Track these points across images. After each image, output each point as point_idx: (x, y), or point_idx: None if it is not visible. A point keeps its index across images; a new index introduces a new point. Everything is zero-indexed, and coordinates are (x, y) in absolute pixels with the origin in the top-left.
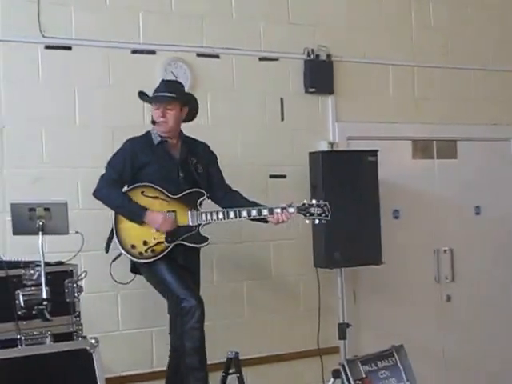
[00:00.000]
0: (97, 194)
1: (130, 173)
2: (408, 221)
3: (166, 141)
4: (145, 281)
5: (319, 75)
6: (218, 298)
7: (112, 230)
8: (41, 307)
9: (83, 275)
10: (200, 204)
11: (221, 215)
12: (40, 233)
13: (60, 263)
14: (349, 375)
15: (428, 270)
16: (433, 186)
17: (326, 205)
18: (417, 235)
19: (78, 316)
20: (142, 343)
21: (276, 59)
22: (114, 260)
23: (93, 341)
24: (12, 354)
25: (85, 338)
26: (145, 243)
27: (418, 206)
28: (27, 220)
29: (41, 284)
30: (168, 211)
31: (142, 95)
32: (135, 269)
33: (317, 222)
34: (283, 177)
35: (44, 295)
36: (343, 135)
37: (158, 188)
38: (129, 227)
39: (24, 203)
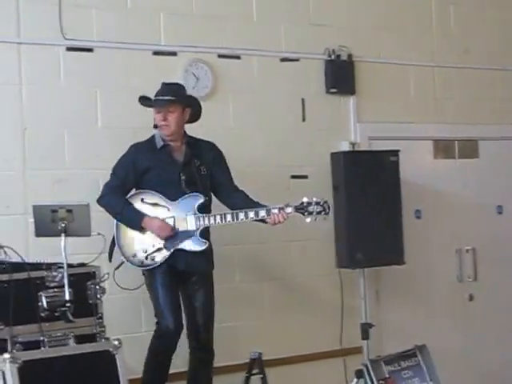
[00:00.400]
0: (99, 201)
1: (134, 179)
2: (430, 221)
3: (168, 144)
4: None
5: (340, 75)
6: (241, 299)
7: (113, 238)
8: (64, 309)
9: (106, 276)
10: (200, 209)
11: (218, 218)
12: (62, 234)
13: (82, 265)
14: (372, 375)
15: (450, 270)
16: (454, 186)
17: (325, 202)
18: (439, 235)
19: (101, 317)
20: None
21: (297, 60)
22: (116, 268)
23: (116, 342)
24: (35, 355)
25: (108, 339)
26: (144, 251)
27: (439, 205)
28: (50, 222)
29: (64, 286)
30: (167, 217)
31: (143, 100)
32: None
33: (316, 220)
34: (305, 177)
35: (67, 297)
36: (365, 135)
37: (158, 195)
38: (129, 236)
39: (46, 205)
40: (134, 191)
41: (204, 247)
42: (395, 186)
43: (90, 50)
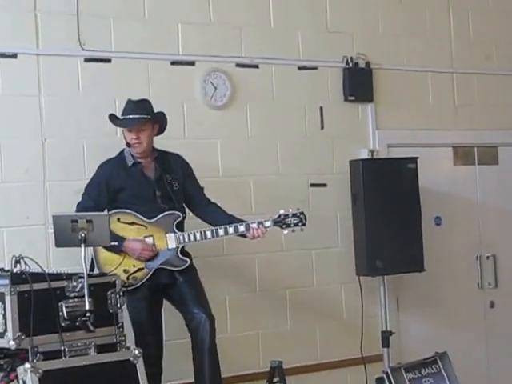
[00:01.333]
0: None
1: (107, 198)
2: (450, 227)
3: (139, 162)
4: None
5: (358, 83)
6: (261, 307)
7: (92, 260)
8: (84, 318)
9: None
10: (177, 226)
11: (198, 236)
12: (82, 244)
13: (103, 274)
14: (393, 383)
15: (471, 277)
16: (474, 193)
17: (302, 212)
18: (459, 242)
19: (122, 327)
20: (185, 353)
21: (315, 68)
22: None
23: (136, 351)
24: (56, 365)
25: (128, 348)
26: (125, 271)
27: (459, 212)
28: (70, 232)
29: (84, 295)
30: (145, 236)
31: (113, 119)
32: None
33: (293, 231)
34: (324, 185)
35: (87, 306)
36: (383, 143)
37: (134, 213)
38: (107, 257)
39: (66, 215)
40: (109, 211)
41: (185, 266)
42: (414, 193)
43: (108, 60)
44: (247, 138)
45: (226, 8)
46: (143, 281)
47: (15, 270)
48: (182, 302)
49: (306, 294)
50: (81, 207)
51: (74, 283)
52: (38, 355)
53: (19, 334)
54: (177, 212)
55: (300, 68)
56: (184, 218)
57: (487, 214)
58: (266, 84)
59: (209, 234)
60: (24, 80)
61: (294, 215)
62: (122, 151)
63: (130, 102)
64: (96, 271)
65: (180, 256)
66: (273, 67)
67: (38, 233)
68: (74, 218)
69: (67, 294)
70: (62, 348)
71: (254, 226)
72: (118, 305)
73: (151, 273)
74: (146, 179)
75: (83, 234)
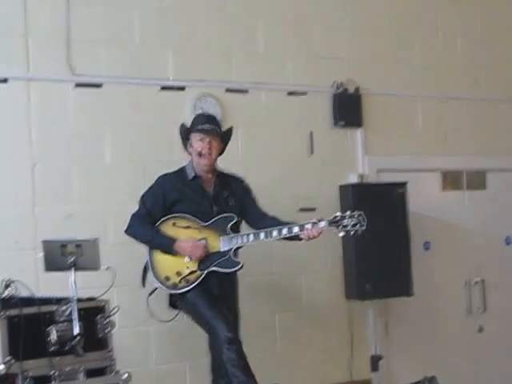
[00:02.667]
0: (127, 231)
1: (162, 210)
2: (438, 252)
3: (200, 176)
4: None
5: (348, 108)
6: (250, 331)
7: (146, 263)
8: (73, 343)
9: (115, 310)
10: (231, 228)
11: (252, 237)
12: (72, 269)
13: (92, 299)
14: None
15: (459, 301)
16: (463, 218)
17: (360, 214)
18: (447, 266)
19: (111, 351)
20: (176, 378)
21: (304, 93)
22: (150, 294)
23: (125, 376)
24: None
25: (117, 372)
26: (178, 274)
27: (448, 237)
28: (59, 256)
29: (73, 320)
30: (199, 239)
31: (184, 126)
32: (173, 303)
33: (349, 233)
34: (313, 210)
35: (76, 331)
36: (373, 168)
37: (189, 217)
38: (162, 259)
39: (56, 240)
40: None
41: (238, 267)
42: (403, 217)
43: (98, 85)
44: (237, 163)
45: (216, 33)
46: (195, 284)
47: (5, 295)
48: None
49: (295, 317)
50: (135, 217)
51: (64, 307)
52: (28, 380)
53: (9, 358)
54: (232, 214)
55: (289, 93)
56: (240, 220)
57: (475, 238)
58: (256, 109)
59: (262, 235)
60: (14, 105)
61: (352, 216)
62: (183, 167)
63: (201, 114)
64: (150, 273)
65: (233, 258)
66: (262, 92)
67: (27, 257)
68: (64, 243)
69: (57, 318)
70: (52, 372)
71: (309, 226)
72: (108, 329)
73: (203, 275)
74: (204, 193)
75: (72, 259)
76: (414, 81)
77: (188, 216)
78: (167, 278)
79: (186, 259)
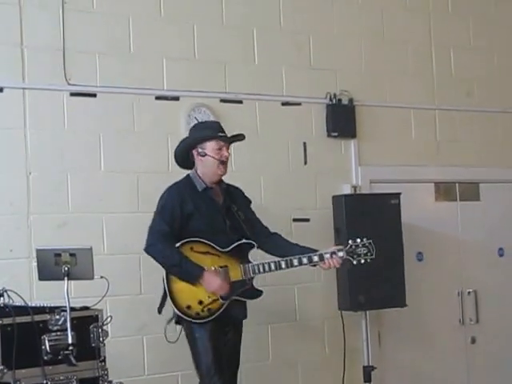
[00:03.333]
0: (150, 250)
1: (180, 223)
2: (432, 263)
3: (211, 187)
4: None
5: (341, 119)
6: (243, 342)
7: (165, 290)
8: (66, 352)
9: (108, 320)
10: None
11: (273, 266)
12: (65, 278)
13: (85, 308)
14: None
15: (452, 312)
16: (456, 229)
17: (370, 243)
18: (440, 277)
19: (104, 361)
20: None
21: (298, 104)
22: (168, 322)
23: None
24: None
25: (110, 382)
26: (200, 303)
27: (441, 248)
28: (53, 265)
29: (66, 329)
30: (220, 266)
31: (205, 133)
32: (179, 321)
33: (361, 262)
34: (307, 220)
35: (70, 340)
36: (366, 178)
37: (208, 242)
38: (182, 287)
39: (50, 249)
40: (182, 240)
41: (261, 296)
42: (397, 228)
43: (93, 95)
44: (230, 172)
45: (211, 44)
46: (217, 313)
47: None
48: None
49: (288, 328)
50: (156, 233)
51: (57, 316)
52: None
53: (1, 367)
54: (251, 242)
55: (284, 104)
56: (257, 248)
57: (468, 249)
58: (250, 119)
59: (283, 264)
60: (10, 114)
61: (364, 245)
62: (188, 177)
63: (212, 122)
64: (169, 301)
65: (255, 287)
66: (257, 103)
67: (21, 266)
68: (58, 252)
69: (50, 327)
70: (45, 382)
71: (328, 256)
72: (101, 339)
73: (226, 304)
74: (215, 206)
75: (66, 268)
76: (408, 92)
77: (205, 241)
78: (189, 307)
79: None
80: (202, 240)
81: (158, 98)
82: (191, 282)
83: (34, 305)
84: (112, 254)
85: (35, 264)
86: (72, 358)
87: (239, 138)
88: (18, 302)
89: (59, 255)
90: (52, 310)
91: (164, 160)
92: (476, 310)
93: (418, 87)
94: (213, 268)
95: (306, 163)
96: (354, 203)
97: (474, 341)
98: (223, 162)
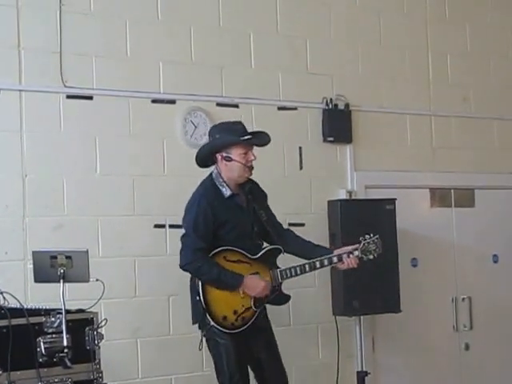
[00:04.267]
0: (187, 268)
1: (212, 233)
2: (426, 269)
3: (237, 194)
4: (164, 326)
5: (337, 124)
6: None
7: (201, 303)
8: (62, 355)
9: (103, 323)
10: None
11: (299, 270)
12: (61, 280)
13: (81, 311)
14: None
15: (446, 319)
16: (451, 235)
17: (377, 238)
18: (435, 283)
19: (99, 363)
20: None
21: (295, 108)
22: (204, 335)
23: None
24: None
25: None
26: (235, 312)
27: (435, 254)
28: (49, 268)
29: (62, 331)
30: (252, 273)
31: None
32: (199, 325)
33: (371, 258)
34: (302, 225)
35: (65, 343)
36: (361, 184)
37: (239, 250)
38: (218, 298)
39: (46, 251)
40: (214, 250)
41: (289, 300)
42: (392, 234)
43: (89, 97)
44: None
45: (208, 48)
46: (250, 322)
47: None
48: (263, 367)
49: (282, 333)
50: (193, 251)
51: (53, 319)
52: None
53: None
54: (279, 247)
55: (280, 108)
56: (284, 253)
57: (463, 256)
58: (246, 123)
59: (307, 267)
60: (6, 116)
61: (373, 241)
62: (212, 181)
63: (237, 123)
64: (206, 315)
65: (284, 292)
66: (253, 107)
67: (16, 268)
68: (54, 255)
69: (45, 329)
70: None
71: (345, 256)
72: (96, 341)
73: (258, 312)
74: (242, 212)
75: (62, 270)
76: (404, 98)
77: (236, 249)
78: (225, 318)
79: (242, 294)
80: (233, 248)
81: (154, 101)
82: (231, 290)
83: (29, 307)
84: (107, 257)
85: (30, 266)
86: (67, 361)
87: (264, 141)
88: (14, 304)
89: (55, 257)
90: (47, 312)
91: (160, 163)
92: (470, 317)
93: (415, 93)
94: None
95: (301, 168)
96: (349, 208)
97: (467, 347)
98: (250, 166)
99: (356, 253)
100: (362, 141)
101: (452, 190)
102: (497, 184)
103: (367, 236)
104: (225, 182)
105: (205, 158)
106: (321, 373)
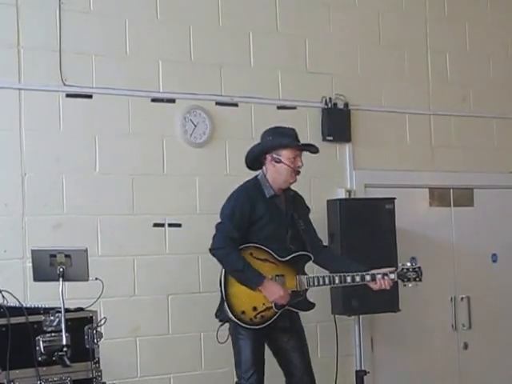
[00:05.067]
0: (215, 252)
1: (247, 227)
2: (425, 268)
3: (278, 195)
4: (163, 325)
5: (337, 123)
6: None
7: (222, 295)
8: (61, 353)
9: (103, 321)
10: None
11: (327, 280)
12: (60, 279)
13: (80, 309)
14: None
15: (445, 318)
16: (450, 234)
17: (419, 268)
18: (434, 283)
19: (98, 362)
20: None
21: (294, 108)
22: (222, 324)
23: None
24: None
25: (104, 383)
26: (254, 309)
27: (434, 253)
28: (48, 266)
29: (61, 330)
30: (277, 275)
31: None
32: (220, 316)
33: (410, 285)
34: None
35: (64, 341)
36: (361, 183)
37: (267, 250)
38: (239, 292)
39: (45, 250)
40: (244, 245)
41: (312, 309)
42: (391, 233)
43: (89, 96)
44: (225, 176)
45: (207, 47)
46: (270, 321)
47: None
48: (289, 361)
49: None
50: (225, 238)
51: (52, 318)
52: None
53: None
54: (309, 254)
55: (279, 107)
56: (313, 261)
57: (462, 255)
58: (246, 122)
59: (337, 279)
60: (5, 114)
61: (414, 270)
62: (257, 181)
63: (290, 129)
64: (225, 306)
65: (308, 299)
66: (252, 106)
67: (15, 266)
68: (53, 253)
69: (44, 328)
70: (38, 383)
71: (379, 276)
72: (95, 340)
73: (279, 313)
74: (280, 214)
75: (61, 269)
76: (403, 97)
77: (265, 248)
78: (243, 313)
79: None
80: (262, 247)
81: (153, 100)
82: (249, 287)
83: (28, 305)
84: (106, 256)
85: (29, 265)
86: (66, 359)
87: (313, 149)
88: (13, 303)
89: (54, 256)
90: (47, 311)
91: (159, 162)
92: (469, 316)
93: (414, 92)
94: (270, 277)
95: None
96: (348, 207)
97: (466, 346)
98: (296, 171)
99: (392, 276)
100: (362, 140)
101: (451, 190)
102: (496, 183)
103: (408, 264)
104: (269, 183)
105: (255, 158)
106: (320, 372)
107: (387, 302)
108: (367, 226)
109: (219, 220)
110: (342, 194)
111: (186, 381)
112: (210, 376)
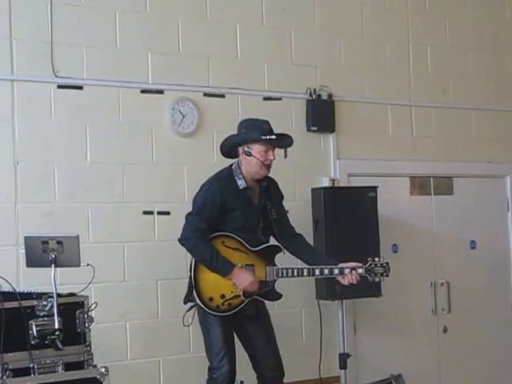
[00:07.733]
0: (185, 243)
1: (217, 218)
2: (406, 254)
3: (251, 188)
4: (152, 310)
5: (321, 114)
6: None
7: (191, 280)
8: (53, 337)
9: (94, 306)
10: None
11: (296, 272)
12: (52, 265)
13: (71, 294)
14: None
15: (425, 302)
16: (430, 222)
17: (387, 263)
18: (414, 268)
19: (89, 346)
20: (150, 371)
21: (279, 99)
22: (188, 310)
23: (103, 369)
24: (25, 382)
25: (95, 366)
26: (222, 296)
27: (415, 240)
28: (40, 253)
29: (53, 315)
30: (247, 264)
31: (259, 134)
32: (188, 300)
33: (377, 280)
34: (286, 212)
35: (56, 325)
36: (344, 172)
37: (239, 239)
38: (208, 278)
39: (37, 236)
40: (216, 233)
41: (280, 299)
42: (373, 220)
43: (80, 87)
44: (213, 165)
45: (195, 39)
46: (236, 309)
47: None
48: (254, 345)
49: None
50: (193, 229)
51: (44, 302)
52: (8, 372)
53: None
54: (280, 246)
55: (265, 98)
56: (284, 253)
57: (442, 242)
58: (232, 113)
59: (305, 272)
60: None
61: (381, 265)
62: (230, 172)
63: (264, 122)
64: (193, 291)
65: (276, 290)
66: (239, 97)
67: (9, 253)
68: (45, 240)
69: (37, 312)
70: (31, 365)
71: (347, 271)
72: (86, 324)
73: (246, 302)
74: (252, 206)
75: (53, 255)
76: (385, 89)
77: (237, 237)
78: (211, 299)
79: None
80: (234, 236)
81: (143, 91)
82: (221, 275)
83: (21, 291)
84: (97, 243)
85: (22, 251)
86: (58, 343)
87: (285, 144)
88: (6, 288)
89: (47, 243)
90: (39, 296)
91: (148, 152)
92: (448, 301)
93: (396, 84)
94: (239, 265)
95: (286, 156)
96: (332, 196)
97: (445, 330)
98: (267, 165)
99: (360, 270)
100: (345, 130)
101: (431, 178)
102: (474, 172)
103: (376, 259)
104: (242, 175)
105: (229, 148)
106: (304, 355)
107: (370, 287)
108: (350, 214)
109: (190, 210)
110: (326, 183)
111: (174, 364)
112: (197, 359)
